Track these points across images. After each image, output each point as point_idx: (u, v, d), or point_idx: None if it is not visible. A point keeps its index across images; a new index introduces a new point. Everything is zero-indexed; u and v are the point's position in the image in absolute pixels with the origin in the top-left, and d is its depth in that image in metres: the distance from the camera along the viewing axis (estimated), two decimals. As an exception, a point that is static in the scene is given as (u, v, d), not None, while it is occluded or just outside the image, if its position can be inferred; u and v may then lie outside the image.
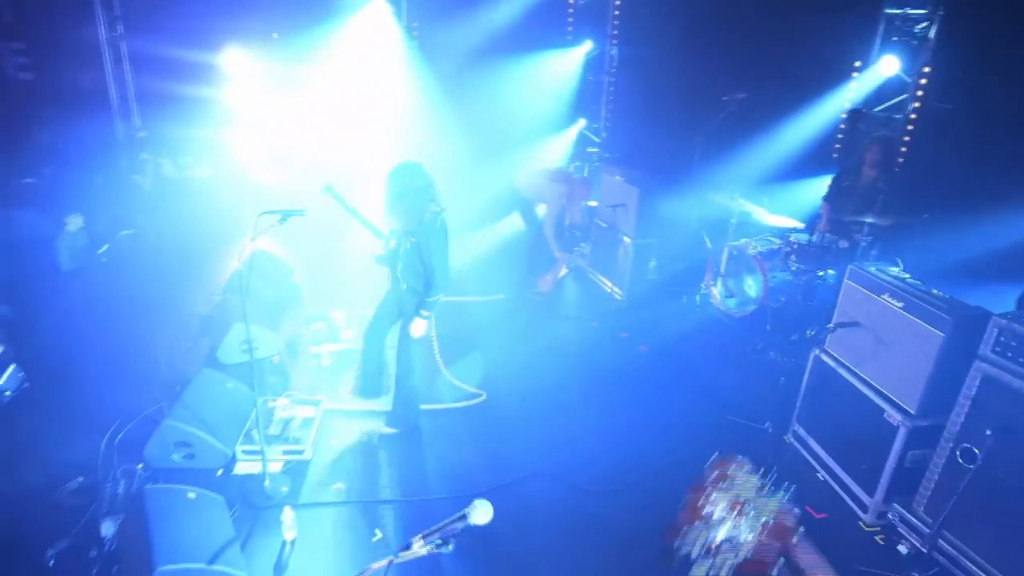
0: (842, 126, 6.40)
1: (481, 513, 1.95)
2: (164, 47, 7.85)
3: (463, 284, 6.75)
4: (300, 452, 4.18)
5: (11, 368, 4.60)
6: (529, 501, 3.99)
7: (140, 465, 3.96)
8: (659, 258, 6.45)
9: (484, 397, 4.99)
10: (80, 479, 3.84)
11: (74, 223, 6.68)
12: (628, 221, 6.52)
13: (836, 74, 6.12)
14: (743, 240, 5.97)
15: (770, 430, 4.47)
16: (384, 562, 1.89)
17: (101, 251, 6.88)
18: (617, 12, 7.69)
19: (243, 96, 7.85)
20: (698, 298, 6.35)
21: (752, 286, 5.92)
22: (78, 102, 8.32)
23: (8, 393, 4.48)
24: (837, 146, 6.51)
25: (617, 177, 6.65)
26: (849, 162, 5.66)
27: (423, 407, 4.66)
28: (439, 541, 1.89)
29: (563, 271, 6.98)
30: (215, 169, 8.14)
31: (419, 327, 4.20)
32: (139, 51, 8.27)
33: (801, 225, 6.07)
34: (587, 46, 8.00)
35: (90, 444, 4.13)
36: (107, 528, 3.46)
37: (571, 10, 8.23)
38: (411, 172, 3.91)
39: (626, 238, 6.57)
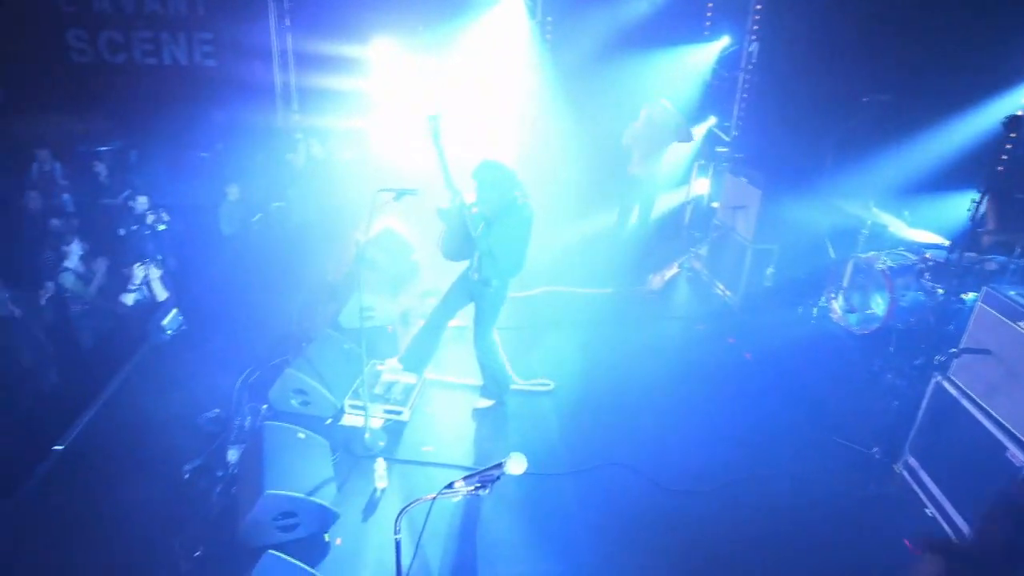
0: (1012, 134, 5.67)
1: (516, 464, 2.09)
2: (321, 39, 8.66)
3: (570, 274, 6.86)
4: (399, 413, 4.53)
5: (173, 312, 5.39)
6: (606, 489, 4.06)
7: (264, 405, 4.52)
8: (777, 265, 6.13)
9: (552, 386, 5.04)
10: (217, 411, 4.45)
11: (233, 193, 7.58)
12: (748, 224, 6.28)
13: (1001, 77, 5.46)
14: (872, 253, 5.52)
15: (878, 456, 4.16)
16: (430, 496, 2.09)
17: (255, 219, 7.77)
18: (759, 7, 7.35)
19: (386, 86, 8.45)
20: (815, 310, 5.97)
21: (879, 303, 5.48)
22: (248, 87, 9.41)
23: (170, 332, 5.26)
24: (1004, 157, 5.81)
25: (741, 178, 6.41)
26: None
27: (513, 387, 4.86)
28: (478, 484, 2.05)
29: (675, 270, 6.86)
30: (358, 153, 8.85)
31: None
32: (300, 42, 9.18)
33: (946, 242, 5.51)
34: (724, 41, 7.73)
35: (228, 382, 4.78)
36: (232, 454, 4.00)
37: (710, 4, 7.99)
38: (495, 166, 4.14)
39: (745, 241, 6.32)
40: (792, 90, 6.62)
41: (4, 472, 4.04)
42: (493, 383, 4.73)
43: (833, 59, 6.14)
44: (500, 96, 8.01)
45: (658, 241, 7.64)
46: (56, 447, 4.13)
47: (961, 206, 5.63)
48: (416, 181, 4.22)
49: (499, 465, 2.15)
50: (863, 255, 5.60)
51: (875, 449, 4.21)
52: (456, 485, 2.11)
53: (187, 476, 3.88)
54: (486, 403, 4.75)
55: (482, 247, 4.22)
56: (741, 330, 5.98)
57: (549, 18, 7.99)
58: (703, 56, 7.88)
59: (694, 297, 6.87)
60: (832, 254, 5.94)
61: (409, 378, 4.87)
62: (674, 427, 4.65)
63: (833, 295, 5.86)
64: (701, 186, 7.95)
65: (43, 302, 5.17)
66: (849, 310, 5.68)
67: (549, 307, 6.42)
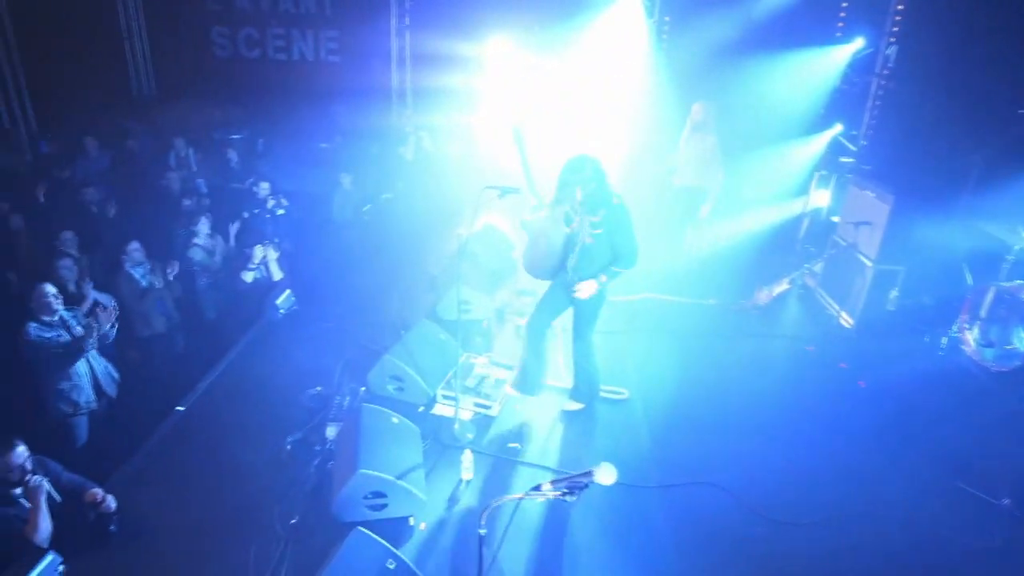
0: None
1: (606, 475, 2.04)
2: (438, 37, 8.91)
3: (674, 283, 6.65)
4: (488, 408, 4.57)
5: (287, 292, 5.72)
6: (697, 509, 3.88)
7: (363, 388, 4.70)
8: (902, 288, 5.62)
9: (626, 395, 4.88)
10: (319, 388, 4.67)
11: (346, 182, 7.97)
12: (872, 242, 5.80)
13: None
14: (1018, 282, 4.94)
15: (1008, 507, 3.72)
16: (517, 495, 2.07)
17: (365, 209, 8.12)
18: (901, 7, 6.77)
19: (497, 84, 8.56)
20: (945, 340, 5.41)
21: (1022, 338, 4.90)
22: (367, 82, 9.87)
23: (283, 311, 5.59)
24: None
25: (867, 192, 5.94)
26: None
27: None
28: (565, 489, 2.01)
29: (784, 286, 6.48)
30: (464, 148, 9.05)
31: (588, 287, 4.19)
32: (418, 40, 9.50)
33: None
34: (858, 43, 7.19)
35: (330, 362, 5.01)
36: (331, 431, 4.18)
37: (844, 3, 7.46)
38: (593, 159, 4.01)
39: (866, 260, 5.86)
40: (934, 98, 6.04)
41: (136, 424, 4.48)
42: (586, 386, 4.66)
43: (987, 65, 5.54)
44: (613, 97, 7.87)
45: (769, 254, 7.24)
46: (179, 408, 4.50)
47: None
48: (519, 179, 4.26)
49: (588, 473, 2.11)
50: (1007, 284, 5.02)
51: (1006, 500, 3.76)
52: (543, 488, 2.08)
53: (289, 447, 4.10)
54: (575, 406, 4.69)
55: (588, 245, 4.11)
56: (856, 356, 5.53)
57: (667, 18, 7.78)
58: (832, 59, 7.37)
59: (804, 316, 6.45)
60: (969, 280, 5.37)
61: (500, 373, 4.90)
62: (775, 451, 4.37)
63: (967, 326, 5.29)
64: (820, 198, 7.45)
65: (171, 277, 5.64)
66: (986, 344, 5.10)
67: (648, 314, 6.25)
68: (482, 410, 4.57)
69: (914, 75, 6.56)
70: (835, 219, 7.37)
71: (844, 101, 7.43)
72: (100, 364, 4.60)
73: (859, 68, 7.24)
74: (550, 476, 4.02)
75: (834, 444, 4.49)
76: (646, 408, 4.79)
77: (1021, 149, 5.29)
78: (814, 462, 4.30)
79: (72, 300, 4.81)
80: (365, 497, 3.49)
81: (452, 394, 4.56)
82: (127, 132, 8.91)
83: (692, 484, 4.03)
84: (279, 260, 5.98)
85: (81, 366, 4.40)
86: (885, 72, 7.00)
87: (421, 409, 4.62)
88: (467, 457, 3.90)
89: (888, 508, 3.90)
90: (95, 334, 4.36)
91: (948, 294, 5.51)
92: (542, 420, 4.63)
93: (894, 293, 5.64)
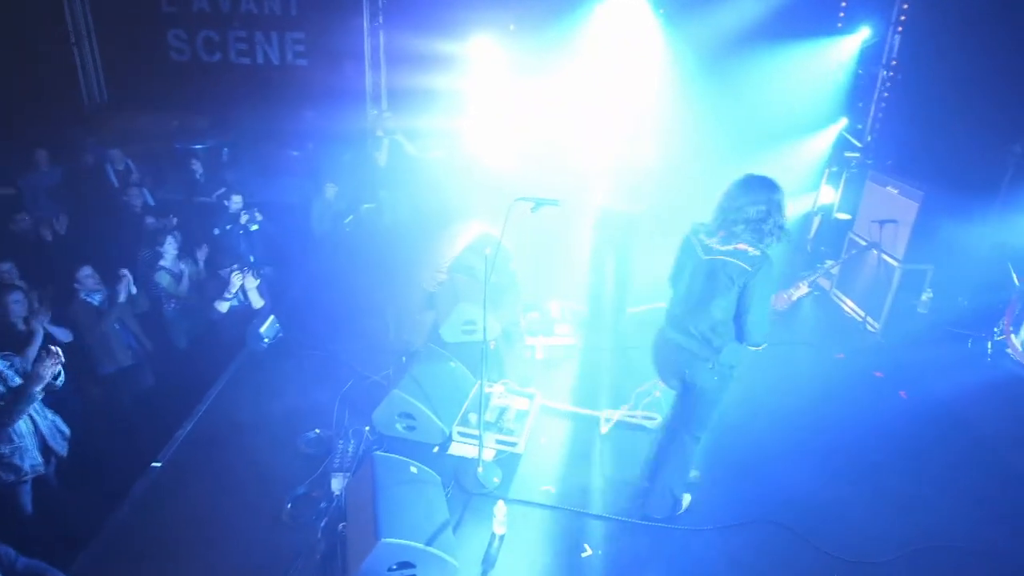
0: None
1: None
2: (414, 37, 8.34)
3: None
4: (514, 444, 4.05)
5: (271, 319, 5.10)
6: (762, 551, 3.44)
7: (368, 428, 4.13)
8: (936, 289, 5.31)
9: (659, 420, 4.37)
10: (317, 431, 4.10)
11: (330, 191, 7.36)
12: (898, 240, 5.48)
13: None
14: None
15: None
16: None
17: (347, 220, 7.51)
18: (905, -8, 6.48)
19: (482, 85, 8.05)
20: (990, 345, 5.11)
21: (1073, 340, 4.62)
22: (339, 85, 9.24)
23: (267, 340, 4.97)
24: None
25: (890, 188, 5.62)
26: None
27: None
28: None
29: (803, 289, 6.12)
30: (450, 152, 8.50)
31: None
32: (393, 40, 8.92)
33: None
34: (863, 33, 6.89)
35: (326, 395, 4.44)
36: (336, 483, 3.62)
37: (844, -9, 7.14)
38: (770, 186, 3.03)
39: (892, 260, 5.54)
40: (953, 88, 5.75)
41: (105, 485, 3.81)
42: (662, 500, 3.57)
43: (1008, 49, 5.27)
44: (610, 95, 7.42)
45: (780, 255, 6.88)
46: (154, 463, 3.86)
47: None
48: (513, 182, 3.76)
49: None
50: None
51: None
52: None
53: (289, 506, 3.52)
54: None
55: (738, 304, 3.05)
56: (889, 364, 5.19)
57: (661, 11, 7.37)
58: (836, 51, 7.06)
59: (825, 322, 6.10)
60: (1016, 281, 5.06)
61: (521, 403, 4.40)
62: (827, 479, 3.97)
63: (1013, 329, 5.00)
64: (830, 195, 7.14)
65: (121, 298, 4.97)
66: (1036, 347, 4.83)
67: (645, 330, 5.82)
68: (507, 448, 4.05)
69: (924, 64, 6.28)
70: (841, 216, 7.08)
71: (850, 95, 7.12)
72: (45, 419, 3.80)
73: (865, 60, 6.95)
74: (598, 525, 3.56)
75: (887, 466, 4.12)
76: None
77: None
78: (869, 487, 3.93)
79: (18, 341, 4.09)
80: (390, 569, 2.95)
81: (470, 430, 4.04)
82: (82, 145, 8.10)
83: (750, 523, 3.59)
84: (259, 288, 5.32)
85: (23, 424, 3.64)
86: (893, 63, 6.72)
87: (436, 450, 4.08)
88: (500, 510, 3.37)
89: (966, 540, 3.53)
90: (38, 384, 3.57)
91: (991, 296, 5.21)
92: (574, 455, 4.14)
93: (927, 295, 5.33)
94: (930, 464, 4.12)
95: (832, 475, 4.01)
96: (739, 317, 3.07)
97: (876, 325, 5.71)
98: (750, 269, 2.97)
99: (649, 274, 4.73)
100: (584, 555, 3.38)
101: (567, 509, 3.64)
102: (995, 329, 5.06)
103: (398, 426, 4.11)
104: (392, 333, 5.50)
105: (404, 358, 4.91)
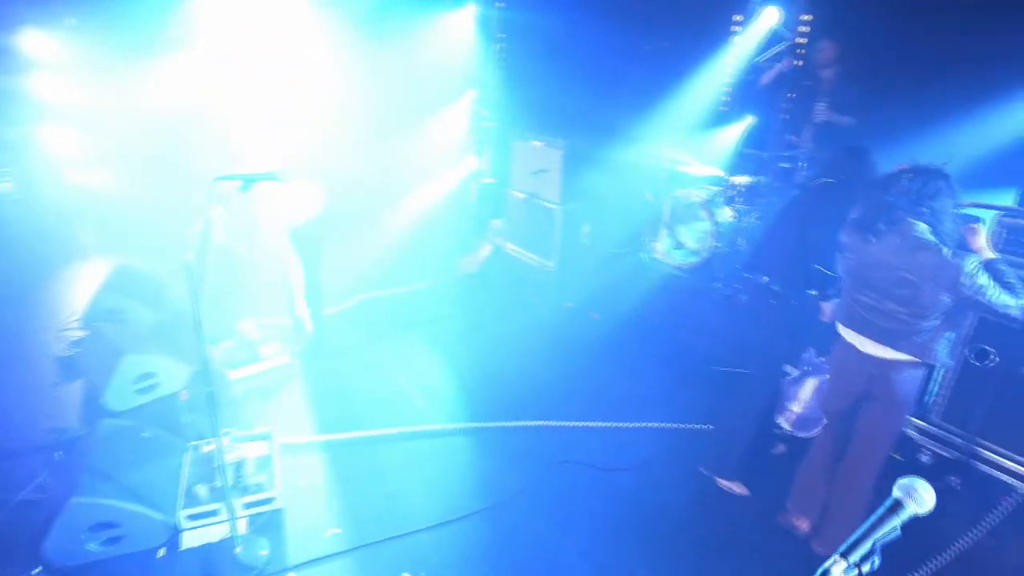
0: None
1: (927, 496, 1.25)
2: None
3: (376, 277, 5.98)
4: (269, 500, 3.22)
5: None
6: (561, 492, 3.47)
7: (37, 570, 2.78)
8: (592, 222, 6.12)
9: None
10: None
11: None
12: (552, 187, 6.13)
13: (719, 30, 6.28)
14: (684, 189, 5.87)
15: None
16: None
17: None
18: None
19: (59, 88, 6.18)
20: (644, 255, 6.13)
21: (700, 234, 5.83)
22: None
23: None
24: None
25: (535, 143, 6.22)
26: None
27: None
28: (869, 552, 1.15)
29: (487, 247, 6.44)
30: (24, 178, 6.37)
31: None
32: None
33: (723, 173, 6.07)
34: (471, 8, 7.37)
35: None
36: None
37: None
38: None
39: (551, 205, 6.17)
40: (561, 49, 6.58)
41: None
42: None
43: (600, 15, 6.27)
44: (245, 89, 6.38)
45: (451, 227, 7.10)
46: None
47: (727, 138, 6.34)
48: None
49: (897, 505, 1.24)
50: (678, 192, 5.90)
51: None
52: (835, 572, 1.18)
53: None
54: None
55: None
56: (575, 294, 5.86)
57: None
58: (459, 25, 7.38)
59: (511, 273, 6.54)
60: (650, 198, 6.14)
61: (257, 449, 3.53)
62: (575, 413, 4.25)
63: (655, 237, 6.08)
64: (476, 162, 7.60)
65: None
66: (676, 246, 5.95)
67: (376, 317, 5.46)
68: (262, 508, 3.20)
69: (532, 33, 7.03)
70: (487, 180, 7.64)
71: (477, 67, 7.58)
72: None
73: (483, 33, 7.46)
74: (407, 545, 3.07)
75: (612, 382, 4.64)
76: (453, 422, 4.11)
77: (648, 81, 6.23)
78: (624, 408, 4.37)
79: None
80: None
81: (206, 508, 3.07)
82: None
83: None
84: None
85: None
86: (501, 36, 7.40)
87: (162, 552, 2.99)
88: (294, 584, 2.63)
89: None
90: None
91: (633, 218, 6.21)
92: (345, 482, 3.52)
93: (586, 228, 6.10)
94: (637, 368, 4.81)
95: (575, 409, 4.30)
96: None
97: (551, 264, 6.33)
98: None
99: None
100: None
101: (369, 544, 3.06)
102: (645, 242, 6.11)
103: (91, 546, 2.86)
104: (24, 427, 3.85)
105: (58, 454, 3.50)
